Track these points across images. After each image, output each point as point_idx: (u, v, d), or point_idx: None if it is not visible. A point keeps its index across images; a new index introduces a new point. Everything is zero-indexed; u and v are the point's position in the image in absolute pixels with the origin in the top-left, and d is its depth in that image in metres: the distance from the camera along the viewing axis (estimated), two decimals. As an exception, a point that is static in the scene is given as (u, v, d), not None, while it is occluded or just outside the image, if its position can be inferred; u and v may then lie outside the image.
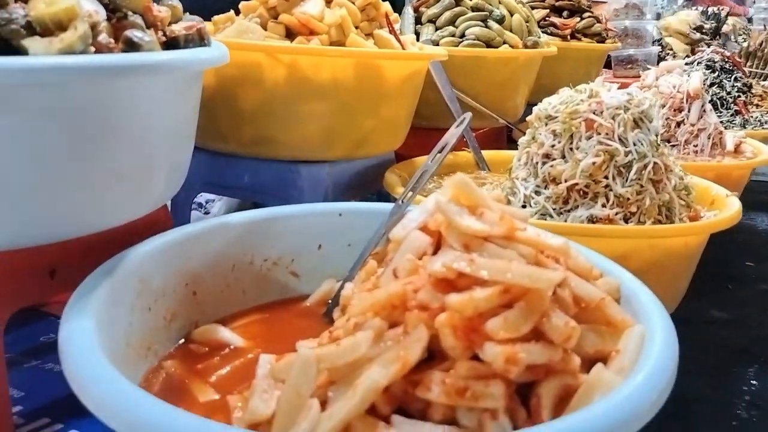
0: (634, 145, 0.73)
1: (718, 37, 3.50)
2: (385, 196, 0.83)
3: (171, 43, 0.53)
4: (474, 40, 1.09)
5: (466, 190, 0.46)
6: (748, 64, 3.05)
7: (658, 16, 3.10)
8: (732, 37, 3.75)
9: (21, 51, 0.44)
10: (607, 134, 0.73)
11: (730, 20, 4.22)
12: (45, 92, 0.44)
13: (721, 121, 1.36)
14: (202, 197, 1.02)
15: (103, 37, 0.47)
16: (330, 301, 0.62)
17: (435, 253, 0.45)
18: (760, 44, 3.07)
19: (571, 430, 0.34)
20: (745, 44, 3.26)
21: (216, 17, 0.81)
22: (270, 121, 0.79)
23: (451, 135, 0.66)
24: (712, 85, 1.42)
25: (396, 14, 0.97)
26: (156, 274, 0.54)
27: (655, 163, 0.74)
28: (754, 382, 1.33)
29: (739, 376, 1.30)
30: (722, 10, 3.73)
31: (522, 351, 0.39)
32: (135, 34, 0.49)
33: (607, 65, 1.88)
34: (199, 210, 1.03)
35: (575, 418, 0.35)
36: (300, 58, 0.75)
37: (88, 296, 0.46)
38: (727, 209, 0.77)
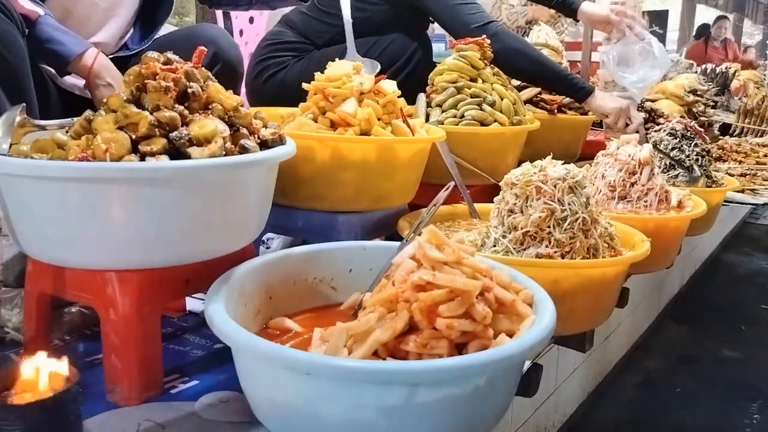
0: (569, 204, 1.05)
1: (722, 94, 3.78)
2: (398, 236, 1.17)
3: (263, 144, 0.89)
4: (471, 120, 1.43)
5: (436, 235, 0.80)
6: (746, 120, 3.33)
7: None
8: (740, 94, 4.01)
9: (187, 156, 0.79)
10: (550, 197, 1.06)
11: (744, 74, 4.48)
12: (201, 178, 0.79)
13: (677, 178, 1.67)
14: (266, 236, 1.37)
15: (229, 146, 0.83)
16: (356, 307, 0.95)
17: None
18: (758, 103, 3.34)
19: (476, 357, 0.67)
20: (745, 101, 3.54)
21: (284, 113, 1.17)
22: (318, 184, 1.14)
23: (440, 196, 1.00)
24: (673, 149, 1.72)
25: (410, 106, 1.31)
26: (249, 284, 0.88)
27: (584, 217, 1.06)
28: (756, 416, 1.60)
29: (743, 411, 1.54)
30: (730, 68, 4.01)
31: (457, 324, 0.72)
32: (246, 143, 0.84)
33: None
34: (263, 245, 1.38)
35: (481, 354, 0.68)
36: (340, 143, 1.10)
37: (216, 293, 0.80)
38: (639, 250, 1.08)
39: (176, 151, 0.80)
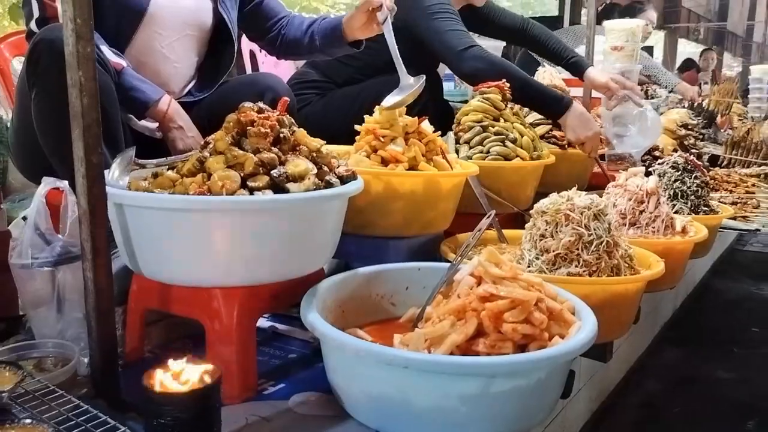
0: (594, 230, 1.21)
1: (709, 127, 4.00)
2: (440, 258, 1.31)
3: (341, 179, 1.04)
4: (496, 155, 1.60)
5: (494, 255, 0.95)
6: (733, 152, 3.53)
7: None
8: (725, 127, 4.23)
9: (286, 190, 0.95)
10: (577, 223, 1.22)
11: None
12: (299, 209, 0.95)
13: (679, 205, 1.84)
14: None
15: (316, 182, 0.98)
16: (415, 319, 1.09)
17: (478, 285, 0.94)
18: (743, 135, 3.56)
19: (543, 353, 0.82)
20: (731, 134, 3.76)
21: (338, 151, 1.33)
22: (372, 213, 1.29)
23: (483, 223, 1.15)
24: (675, 181, 1.90)
25: (443, 140, 1.48)
26: (328, 299, 1.03)
27: (608, 241, 1.22)
28: (752, 433, 1.70)
29: (740, 428, 1.65)
30: (718, 104, 4.25)
31: (521, 328, 0.87)
32: (331, 178, 1.00)
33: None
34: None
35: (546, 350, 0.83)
36: (392, 177, 1.26)
37: (309, 305, 0.94)
38: (654, 269, 1.24)
39: (276, 187, 0.95)
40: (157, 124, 1.39)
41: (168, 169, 1.03)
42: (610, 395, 1.80)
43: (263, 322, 1.27)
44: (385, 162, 1.30)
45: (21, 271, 1.00)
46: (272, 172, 0.95)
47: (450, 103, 2.24)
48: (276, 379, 1.04)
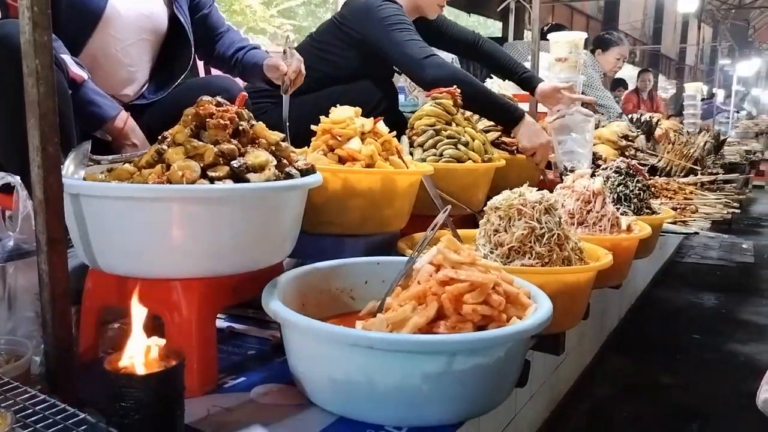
0: (546, 223, 1.26)
1: (648, 140, 4.19)
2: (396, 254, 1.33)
3: (300, 172, 1.05)
4: (449, 158, 1.64)
5: (453, 242, 0.98)
6: (671, 162, 3.69)
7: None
8: (663, 140, 4.44)
9: (246, 180, 0.95)
10: (530, 217, 1.26)
11: (665, 123, 4.94)
12: (259, 199, 0.95)
13: (623, 209, 1.92)
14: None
15: (276, 173, 0.99)
16: (375, 312, 1.11)
17: (437, 273, 0.96)
18: (679, 146, 3.73)
19: (502, 330, 0.84)
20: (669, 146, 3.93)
21: (297, 150, 1.34)
22: (329, 211, 1.30)
23: (439, 218, 1.18)
24: (619, 185, 1.98)
25: (398, 142, 1.51)
26: (289, 292, 1.03)
27: (558, 233, 1.26)
28: (695, 436, 1.75)
29: (685, 431, 1.71)
30: (653, 117, 4.46)
31: (480, 309, 0.89)
32: (291, 170, 1.01)
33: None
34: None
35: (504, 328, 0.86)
36: (350, 175, 1.28)
37: (270, 295, 0.95)
38: (602, 261, 1.29)
39: (236, 177, 0.95)
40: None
41: (124, 164, 1.02)
42: (561, 401, 1.84)
43: (220, 323, 1.26)
44: (342, 161, 1.32)
45: (-31, 268, 0.97)
46: (232, 162, 0.96)
47: (403, 113, 2.28)
48: (236, 373, 1.04)
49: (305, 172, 1.06)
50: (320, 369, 0.89)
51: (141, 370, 0.72)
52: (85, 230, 0.95)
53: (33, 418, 0.72)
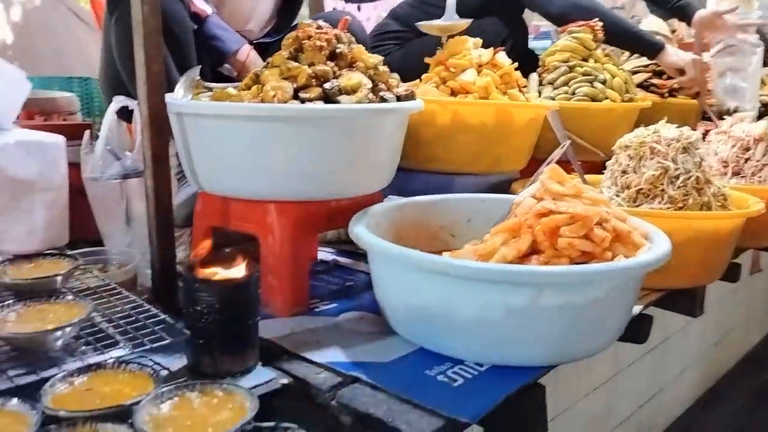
0: (682, 163, 1.10)
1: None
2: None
3: (398, 98, 1.00)
4: (583, 96, 1.50)
5: (557, 172, 0.89)
6: None
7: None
8: None
9: (336, 102, 0.92)
10: (663, 156, 1.11)
11: None
12: (348, 121, 0.92)
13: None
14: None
15: (371, 95, 0.95)
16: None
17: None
18: None
19: (597, 266, 0.75)
20: None
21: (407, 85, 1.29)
22: (437, 147, 1.25)
23: (556, 153, 1.08)
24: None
25: (524, 79, 1.40)
26: (382, 222, 1.00)
27: (697, 176, 1.10)
28: None
29: None
30: None
31: (578, 243, 0.80)
32: (385, 94, 0.96)
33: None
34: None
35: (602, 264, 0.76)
36: (460, 107, 1.21)
37: (358, 221, 0.92)
38: (752, 209, 1.11)
39: (328, 100, 0.93)
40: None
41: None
42: (720, 380, 1.64)
43: (326, 255, 1.27)
44: (454, 93, 1.25)
45: (92, 185, 1.05)
46: (325, 84, 0.93)
47: (536, 54, 2.14)
48: (329, 300, 1.03)
49: (404, 99, 1.01)
50: (400, 297, 0.85)
51: (214, 276, 0.74)
52: (189, 151, 0.98)
53: (127, 319, 0.76)
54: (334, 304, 1.01)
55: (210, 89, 1.12)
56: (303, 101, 0.92)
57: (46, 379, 0.60)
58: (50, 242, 1.06)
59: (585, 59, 1.56)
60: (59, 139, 1.08)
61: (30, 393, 0.59)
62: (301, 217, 0.97)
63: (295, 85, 0.93)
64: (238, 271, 0.75)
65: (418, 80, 1.31)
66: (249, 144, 0.91)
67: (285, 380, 0.74)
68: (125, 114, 1.12)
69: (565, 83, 1.53)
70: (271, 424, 0.53)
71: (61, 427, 0.53)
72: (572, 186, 0.87)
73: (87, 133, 1.08)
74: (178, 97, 1.02)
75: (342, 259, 1.26)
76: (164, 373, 0.69)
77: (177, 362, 0.74)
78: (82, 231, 1.14)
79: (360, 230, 0.88)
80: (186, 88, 1.04)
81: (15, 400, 0.57)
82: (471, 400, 0.72)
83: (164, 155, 0.95)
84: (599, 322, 0.81)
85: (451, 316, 0.78)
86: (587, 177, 1.40)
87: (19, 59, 2.31)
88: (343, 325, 0.93)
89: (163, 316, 0.76)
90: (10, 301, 0.72)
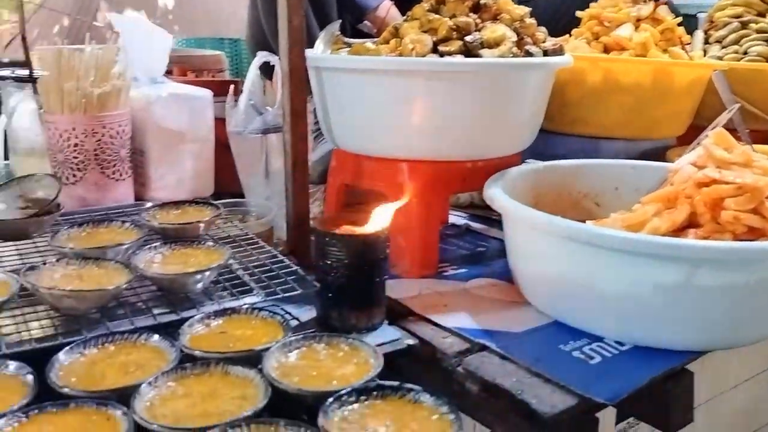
0: None
1: None
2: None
3: (545, 53, 0.94)
4: (756, 56, 1.33)
5: (724, 137, 0.79)
6: None
7: None
8: None
9: (477, 56, 0.88)
10: None
11: None
12: (489, 76, 0.87)
13: None
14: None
15: (515, 49, 0.89)
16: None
17: (698, 173, 0.78)
18: None
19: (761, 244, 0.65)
20: None
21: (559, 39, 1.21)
22: (585, 108, 1.16)
23: (721, 118, 0.96)
24: None
25: (688, 35, 1.26)
26: (519, 185, 0.94)
27: None
28: None
29: None
30: None
31: (744, 217, 0.70)
32: (531, 48, 0.90)
33: None
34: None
35: None
36: (613, 65, 1.11)
37: (494, 183, 0.87)
38: None
39: (469, 53, 0.89)
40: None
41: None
42: None
43: (458, 219, 1.24)
44: (607, 50, 1.15)
45: (235, 139, 1.09)
46: (466, 37, 0.89)
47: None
48: (459, 264, 1.00)
49: (551, 54, 0.94)
50: (537, 265, 0.80)
51: (343, 232, 0.73)
52: (325, 107, 0.98)
53: (262, 268, 0.78)
54: (464, 270, 0.98)
55: (350, 45, 1.12)
56: (442, 55, 0.88)
57: (186, 319, 0.63)
58: (197, 192, 1.12)
59: (761, 14, 1.38)
60: (207, 93, 1.12)
61: (170, 331, 0.62)
62: (434, 178, 0.94)
63: (434, 39, 0.89)
64: (368, 228, 0.74)
65: (567, 35, 1.22)
66: (382, 99, 0.89)
67: (410, 341, 0.73)
68: (269, 71, 1.14)
69: (736, 41, 1.36)
70: (395, 383, 0.52)
71: (195, 366, 0.55)
72: (741, 153, 0.76)
73: (232, 88, 1.12)
74: (317, 52, 1.02)
75: (474, 224, 1.22)
76: (294, 323, 0.70)
77: (307, 314, 0.75)
78: (226, 183, 1.19)
79: (495, 192, 0.83)
80: (326, 43, 1.04)
81: (156, 337, 0.60)
82: (609, 380, 0.66)
83: (302, 110, 0.95)
84: (764, 307, 0.71)
85: (593, 290, 0.72)
86: (757, 148, 1.25)
87: (179, 23, 2.47)
88: (472, 291, 0.90)
89: (295, 268, 0.77)
90: (157, 244, 0.76)
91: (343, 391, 0.50)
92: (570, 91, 1.15)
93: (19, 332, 0.61)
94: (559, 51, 0.95)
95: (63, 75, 0.96)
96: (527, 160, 1.33)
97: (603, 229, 0.72)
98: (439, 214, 0.97)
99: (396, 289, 0.88)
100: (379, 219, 0.75)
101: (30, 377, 0.52)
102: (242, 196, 1.15)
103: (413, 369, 0.77)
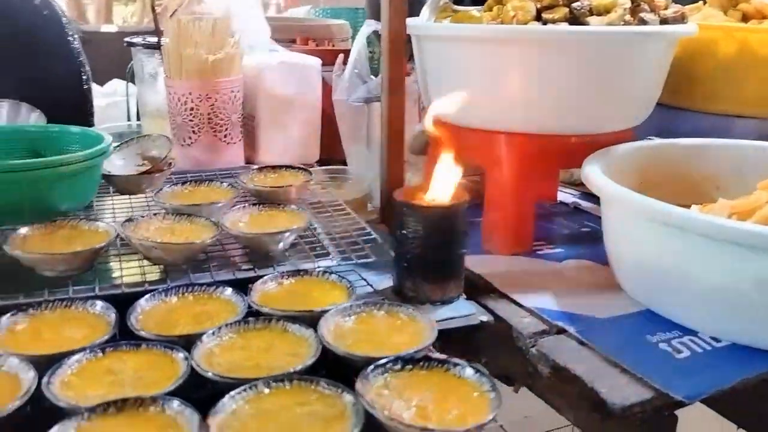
0: None
1: None
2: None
3: (663, 21, 0.86)
4: None
5: None
6: None
7: None
8: None
9: (584, 24, 0.82)
10: None
11: None
12: (594, 46, 0.82)
13: None
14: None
15: (628, 18, 0.83)
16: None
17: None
18: None
19: None
20: None
21: (687, 7, 1.10)
22: (717, 83, 1.05)
23: None
24: None
25: None
26: (625, 165, 0.88)
27: None
28: None
29: None
30: None
31: None
32: (646, 16, 0.83)
33: None
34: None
35: None
36: (751, 36, 0.99)
37: (594, 160, 0.82)
38: None
39: (575, 21, 0.83)
40: None
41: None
42: None
43: (567, 197, 1.18)
44: (746, 19, 1.03)
45: (339, 106, 1.11)
46: (573, 4, 0.83)
47: None
48: (557, 244, 0.96)
49: (671, 22, 0.86)
50: (631, 250, 0.75)
51: (421, 203, 0.72)
52: (425, 76, 0.97)
53: (342, 234, 0.80)
54: (561, 249, 0.94)
55: (455, 11, 1.09)
56: (545, 22, 0.84)
57: (261, 277, 0.66)
58: (303, 158, 1.16)
59: None
60: (316, 62, 1.15)
61: (248, 287, 0.65)
62: (533, 152, 0.90)
63: (538, 5, 0.85)
64: (449, 200, 0.73)
65: (701, 1, 1.11)
66: (481, 69, 0.87)
67: (485, 317, 0.71)
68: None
69: None
70: (443, 356, 0.51)
71: (258, 321, 0.57)
72: None
73: (340, 57, 1.14)
74: (422, 20, 1.01)
75: (584, 203, 1.16)
76: (368, 290, 0.72)
77: (385, 283, 0.76)
78: (331, 151, 1.22)
79: (592, 170, 0.78)
80: (432, 10, 1.02)
81: (229, 291, 0.63)
82: (695, 376, 0.61)
83: (400, 79, 0.95)
84: None
85: (689, 280, 0.66)
86: None
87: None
88: (564, 273, 0.86)
89: (375, 236, 0.78)
90: (247, 204, 0.80)
91: (389, 359, 0.50)
92: (700, 64, 1.05)
93: (113, 277, 0.67)
94: (680, 19, 0.87)
95: (182, 42, 1.02)
96: (649, 137, 1.24)
97: (702, 215, 0.65)
98: (536, 190, 0.93)
99: (483, 264, 0.86)
100: (462, 191, 0.73)
101: (113, 317, 0.58)
102: (345, 164, 1.18)
103: (488, 346, 0.75)
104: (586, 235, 1.01)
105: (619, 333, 0.70)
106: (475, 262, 0.87)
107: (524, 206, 0.92)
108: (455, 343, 0.79)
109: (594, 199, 1.18)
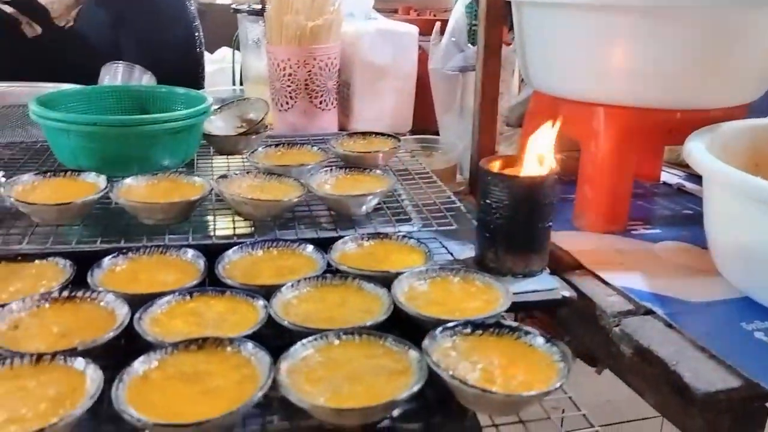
0: None
1: None
2: None
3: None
4: None
5: None
6: None
7: None
8: None
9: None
10: None
11: None
12: (705, 13, 0.76)
13: None
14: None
15: (748, -20, 0.76)
16: None
17: None
18: None
19: None
20: None
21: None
22: None
23: None
24: None
25: None
26: (734, 142, 0.81)
27: None
28: None
29: None
30: None
31: None
32: (769, -22, 0.76)
33: None
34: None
35: None
36: None
37: (699, 136, 0.77)
38: None
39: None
40: None
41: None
42: None
43: (670, 178, 1.12)
44: None
45: (434, 75, 1.10)
46: (687, -33, 0.78)
47: None
48: (653, 224, 0.91)
49: (799, -14, 0.78)
50: (731, 231, 0.70)
51: (509, 174, 0.71)
52: (523, 44, 0.94)
53: (426, 202, 0.80)
54: (657, 230, 0.89)
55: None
56: (654, -12, 0.79)
57: (342, 237, 0.67)
58: (395, 127, 1.16)
59: None
60: (412, 30, 1.15)
61: (330, 246, 0.67)
62: (633, 126, 0.86)
63: (648, -30, 0.80)
64: (536, 171, 0.71)
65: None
66: (582, 37, 0.83)
67: (567, 293, 0.69)
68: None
69: None
70: (514, 324, 0.50)
71: (335, 277, 0.59)
72: None
73: (438, 25, 1.13)
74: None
75: (689, 185, 1.09)
76: (449, 258, 0.71)
77: (466, 252, 0.75)
78: (425, 121, 1.21)
79: (694, 147, 0.74)
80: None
81: (311, 248, 0.65)
82: (792, 370, 0.57)
83: (496, 47, 0.93)
84: None
85: (793, 266, 0.61)
86: None
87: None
88: (658, 254, 0.82)
89: (458, 204, 0.77)
90: (334, 167, 0.82)
91: (458, 322, 0.50)
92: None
93: (206, 229, 0.70)
94: (810, -17, 0.79)
95: (283, 9, 1.05)
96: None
97: (814, 195, 0.60)
98: (635, 167, 0.88)
99: (572, 240, 0.84)
100: (551, 163, 0.71)
101: (202, 265, 0.61)
102: (439, 135, 1.17)
103: (572, 324, 0.73)
104: (687, 217, 0.95)
105: (711, 318, 0.66)
106: (563, 238, 0.84)
107: (621, 183, 0.88)
108: (538, 318, 0.78)
109: (701, 180, 1.11)
